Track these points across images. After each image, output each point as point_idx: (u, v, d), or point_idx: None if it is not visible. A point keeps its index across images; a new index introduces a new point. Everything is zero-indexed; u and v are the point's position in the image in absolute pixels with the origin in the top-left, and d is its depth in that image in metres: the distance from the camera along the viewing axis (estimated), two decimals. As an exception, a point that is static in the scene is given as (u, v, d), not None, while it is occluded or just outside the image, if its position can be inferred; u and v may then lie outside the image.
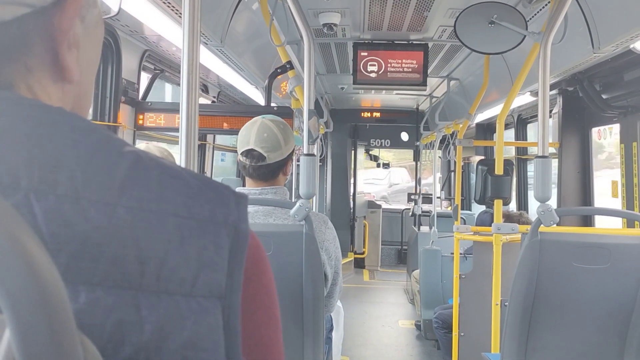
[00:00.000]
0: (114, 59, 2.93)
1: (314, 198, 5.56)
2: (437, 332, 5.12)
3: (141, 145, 2.29)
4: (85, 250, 0.47)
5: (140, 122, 3.12)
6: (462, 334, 4.22)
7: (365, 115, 9.51)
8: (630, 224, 3.49)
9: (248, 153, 2.20)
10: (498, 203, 3.09)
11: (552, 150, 4.69)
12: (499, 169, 3.08)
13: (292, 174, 4.01)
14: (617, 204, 3.92)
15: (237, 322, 0.54)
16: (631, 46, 2.98)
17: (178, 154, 1.42)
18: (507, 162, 3.23)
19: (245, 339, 0.58)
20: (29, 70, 0.56)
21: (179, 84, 3.99)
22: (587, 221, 4.35)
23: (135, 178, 0.51)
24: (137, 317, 0.47)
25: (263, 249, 0.65)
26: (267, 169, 2.23)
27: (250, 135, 2.20)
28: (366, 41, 4.52)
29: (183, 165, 1.34)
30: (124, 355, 0.46)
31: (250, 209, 2.26)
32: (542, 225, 2.22)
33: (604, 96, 3.86)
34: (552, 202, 4.67)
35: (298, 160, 2.38)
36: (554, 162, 4.67)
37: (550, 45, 2.45)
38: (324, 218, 2.39)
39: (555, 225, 2.27)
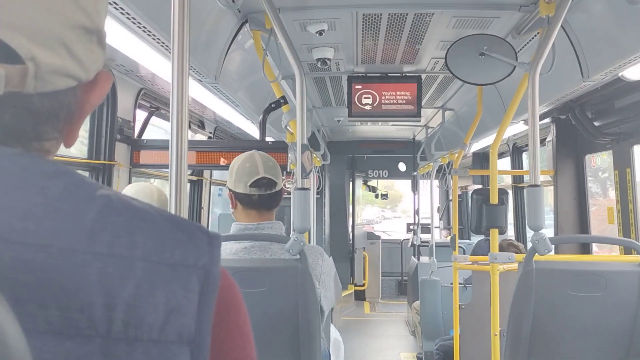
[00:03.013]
0: (109, 99, 2.97)
1: (312, 230, 5.56)
2: (439, 363, 5.06)
3: (135, 184, 2.30)
4: (53, 299, 0.47)
5: (136, 159, 3.15)
6: (463, 365, 4.18)
7: (362, 147, 9.56)
8: (627, 250, 3.49)
9: (258, 182, 2.25)
10: (494, 232, 3.09)
11: (547, 177, 4.71)
12: (493, 198, 3.09)
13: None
14: (613, 230, 3.92)
15: None
16: (620, 74, 3.02)
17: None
18: (502, 191, 3.23)
19: None
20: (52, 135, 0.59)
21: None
22: (585, 248, 4.34)
23: (104, 223, 0.52)
24: None
25: (237, 289, 0.65)
26: (273, 198, 2.30)
27: (257, 165, 2.27)
28: (360, 74, 4.58)
29: (173, 201, 1.35)
30: None
31: (247, 244, 2.27)
32: (536, 254, 2.22)
33: (596, 123, 3.89)
34: (550, 230, 4.67)
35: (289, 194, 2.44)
36: (551, 190, 4.69)
37: (538, 75, 2.49)
38: (319, 250, 2.40)
39: (550, 253, 2.27)
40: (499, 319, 3.04)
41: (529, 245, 2.27)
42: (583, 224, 4.49)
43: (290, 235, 2.20)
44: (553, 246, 2.28)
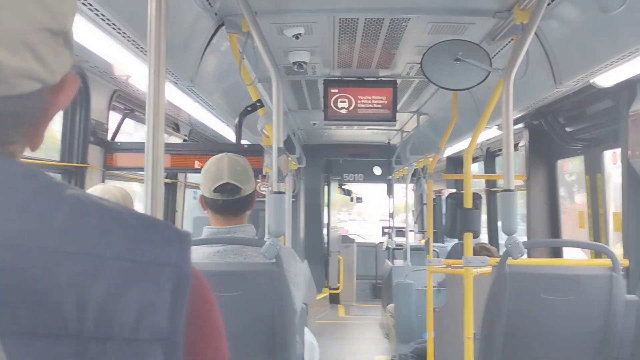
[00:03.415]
0: (82, 100, 2.93)
1: (287, 234, 5.55)
2: (413, 367, 5.08)
3: (98, 186, 2.26)
4: (23, 298, 0.47)
5: (110, 162, 3.11)
6: (437, 368, 4.20)
7: (338, 150, 9.59)
8: (597, 254, 3.55)
9: (222, 188, 2.20)
10: (467, 236, 3.11)
11: (520, 182, 4.77)
12: (467, 203, 3.12)
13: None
14: (584, 234, 3.99)
15: None
16: (591, 81, 3.08)
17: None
18: (476, 196, 3.27)
19: None
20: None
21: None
22: (557, 252, 4.41)
23: (75, 223, 0.52)
24: None
25: (209, 290, 0.65)
26: (240, 203, 2.24)
27: (222, 170, 2.21)
28: (336, 78, 4.59)
29: (149, 204, 1.34)
30: None
31: (220, 247, 2.25)
32: (510, 258, 2.25)
33: (567, 129, 3.96)
34: (522, 234, 4.74)
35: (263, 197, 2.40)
36: (524, 194, 4.76)
37: (512, 80, 2.52)
38: (291, 252, 2.40)
39: (524, 257, 2.30)
40: (472, 322, 3.06)
41: (502, 249, 2.30)
42: (554, 228, 4.55)
43: (266, 239, 2.19)
44: (526, 250, 2.31)
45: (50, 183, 0.54)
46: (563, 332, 2.20)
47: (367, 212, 17.89)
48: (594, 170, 3.80)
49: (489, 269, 3.11)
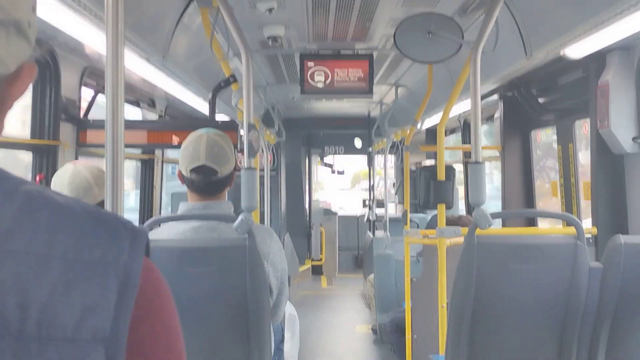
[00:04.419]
0: (52, 77, 2.90)
1: (266, 208, 5.57)
2: (392, 335, 5.18)
3: (69, 167, 2.22)
4: None
5: (82, 139, 3.09)
6: (414, 336, 4.29)
7: (318, 123, 9.57)
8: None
9: (198, 169, 2.21)
10: (441, 207, 3.16)
11: (495, 153, 4.83)
12: (440, 175, 3.16)
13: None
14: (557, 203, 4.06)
15: None
16: (561, 52, 3.11)
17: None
18: (449, 168, 3.31)
19: None
20: None
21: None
22: (531, 221, 4.48)
23: (23, 221, 0.51)
24: None
25: (163, 285, 0.64)
26: (218, 184, 2.25)
27: (199, 151, 2.20)
28: (312, 52, 4.57)
29: (109, 181, 1.34)
30: None
31: (195, 224, 2.27)
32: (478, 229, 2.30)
33: (540, 100, 4.00)
34: (498, 204, 4.79)
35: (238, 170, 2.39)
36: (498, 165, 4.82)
37: (480, 52, 2.54)
38: (269, 231, 2.42)
39: (491, 227, 2.35)
40: (446, 292, 3.13)
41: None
42: (529, 197, 4.63)
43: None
44: (495, 220, 2.36)
45: (3, 177, 0.54)
46: (529, 300, 2.26)
47: (324, 182, 18.07)
48: (566, 140, 3.86)
49: (462, 239, 3.17)
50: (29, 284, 0.49)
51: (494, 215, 2.29)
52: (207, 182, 2.23)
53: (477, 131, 2.43)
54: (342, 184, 20.29)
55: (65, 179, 2.17)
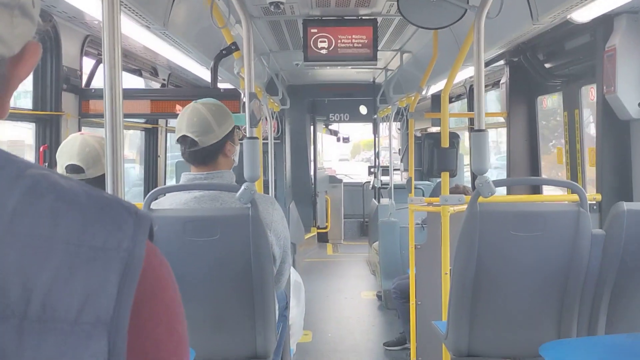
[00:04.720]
0: (52, 47, 2.88)
1: (271, 176, 5.58)
2: (396, 301, 5.23)
3: (77, 137, 2.25)
4: None
5: (85, 109, 3.08)
6: (418, 302, 4.32)
7: (322, 90, 9.50)
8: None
9: (182, 139, 2.24)
10: (445, 175, 3.16)
11: (501, 120, 4.79)
12: (444, 142, 3.15)
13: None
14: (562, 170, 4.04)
15: (123, 345, 0.55)
16: (568, 16, 3.05)
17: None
18: (453, 135, 3.30)
19: (142, 356, 0.59)
20: None
21: (125, 69, 3.93)
22: (536, 189, 4.47)
23: (27, 205, 0.52)
24: (18, 345, 0.48)
25: (166, 268, 0.64)
26: (201, 154, 2.26)
27: (182, 122, 2.24)
28: (315, 18, 4.51)
29: (109, 149, 1.33)
30: None
31: (197, 193, 2.28)
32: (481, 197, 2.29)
33: (547, 65, 3.95)
34: (503, 171, 4.77)
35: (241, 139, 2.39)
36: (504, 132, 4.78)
37: (483, 17, 2.50)
38: (271, 199, 2.43)
39: (494, 195, 2.34)
40: (449, 259, 3.15)
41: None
42: (534, 163, 4.61)
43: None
44: (497, 189, 2.36)
45: (7, 162, 0.54)
46: (531, 267, 2.27)
47: (325, 152, 18.07)
48: (572, 106, 3.82)
49: (465, 207, 3.17)
50: (33, 267, 0.50)
51: (496, 183, 2.28)
52: (190, 153, 2.25)
53: (480, 98, 2.40)
54: (342, 154, 20.21)
55: (75, 148, 2.20)
